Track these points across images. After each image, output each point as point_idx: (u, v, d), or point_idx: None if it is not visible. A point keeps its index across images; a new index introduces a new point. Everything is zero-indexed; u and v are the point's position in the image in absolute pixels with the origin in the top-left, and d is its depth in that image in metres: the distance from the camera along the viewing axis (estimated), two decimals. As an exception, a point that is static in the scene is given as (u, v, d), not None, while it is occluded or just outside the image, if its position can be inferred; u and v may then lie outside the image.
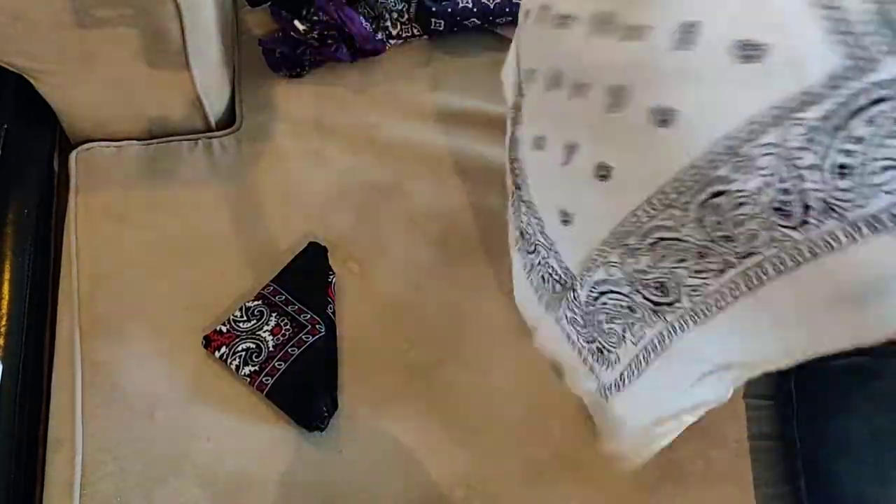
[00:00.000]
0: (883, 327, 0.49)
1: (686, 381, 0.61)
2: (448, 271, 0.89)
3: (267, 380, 0.78)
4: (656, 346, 0.62)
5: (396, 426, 0.79)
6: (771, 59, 0.47)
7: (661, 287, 0.59)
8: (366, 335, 0.84)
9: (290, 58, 1.01)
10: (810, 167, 0.47)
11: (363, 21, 1.01)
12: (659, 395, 0.64)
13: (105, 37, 0.83)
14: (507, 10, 1.05)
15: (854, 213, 0.46)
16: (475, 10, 1.04)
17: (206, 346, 0.81)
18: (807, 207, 0.48)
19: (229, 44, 1.02)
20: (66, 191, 0.90)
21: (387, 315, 0.86)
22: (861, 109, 0.45)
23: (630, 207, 0.57)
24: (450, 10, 1.03)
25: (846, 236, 0.47)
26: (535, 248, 0.70)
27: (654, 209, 0.55)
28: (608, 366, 0.66)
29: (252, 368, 0.79)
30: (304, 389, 0.78)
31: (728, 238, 0.52)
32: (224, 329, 0.82)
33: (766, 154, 0.48)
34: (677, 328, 0.59)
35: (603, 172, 0.57)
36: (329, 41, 1.01)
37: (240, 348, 0.80)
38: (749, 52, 0.47)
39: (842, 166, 0.46)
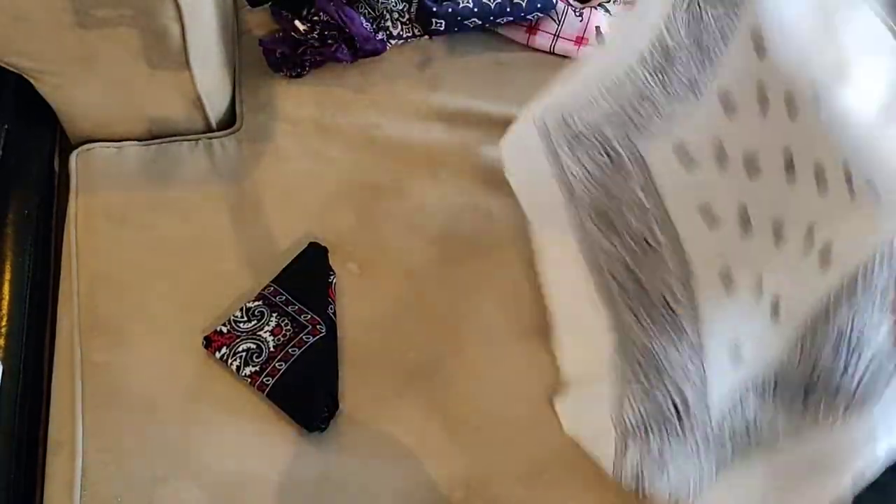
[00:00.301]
0: None
1: None
2: (448, 271, 0.89)
3: (268, 380, 0.78)
4: None
5: (397, 427, 0.79)
6: None
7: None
8: (366, 335, 0.84)
9: (291, 58, 1.01)
10: None
11: (363, 21, 1.01)
12: None
13: (105, 37, 0.83)
14: (508, 10, 1.05)
15: None
16: (476, 10, 1.04)
17: (206, 347, 0.81)
18: None
19: (230, 44, 1.02)
20: (66, 191, 0.90)
21: (387, 315, 0.86)
22: None
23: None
24: (450, 10, 1.03)
25: None
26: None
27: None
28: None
29: (253, 369, 0.79)
30: (305, 390, 0.78)
31: None
32: (224, 329, 0.81)
33: None
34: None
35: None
36: (329, 41, 1.01)
37: (240, 349, 0.80)
38: None
39: None
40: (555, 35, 1.09)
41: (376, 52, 1.03)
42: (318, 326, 0.82)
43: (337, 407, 0.79)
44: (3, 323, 0.79)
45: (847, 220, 0.60)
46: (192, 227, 0.89)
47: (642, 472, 0.72)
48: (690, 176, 0.73)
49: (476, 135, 0.99)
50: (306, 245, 0.88)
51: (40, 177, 0.91)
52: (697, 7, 0.72)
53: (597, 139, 0.78)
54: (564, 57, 1.10)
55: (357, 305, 0.86)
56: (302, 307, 0.83)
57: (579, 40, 1.09)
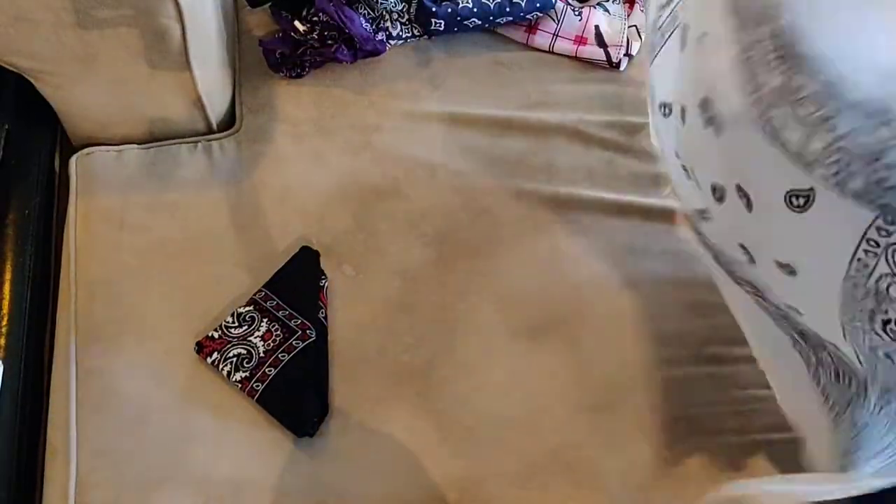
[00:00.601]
0: None
1: None
2: (444, 273, 0.89)
3: (257, 386, 0.79)
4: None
5: (390, 429, 0.80)
6: None
7: None
8: (361, 337, 0.85)
9: (291, 58, 1.01)
10: None
11: (363, 22, 1.01)
12: None
13: (106, 37, 0.83)
14: (507, 10, 1.05)
15: None
16: (475, 10, 1.04)
17: (198, 352, 0.81)
18: None
19: (230, 44, 1.02)
20: (66, 192, 0.90)
21: (382, 317, 0.86)
22: None
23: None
24: (450, 10, 1.03)
25: None
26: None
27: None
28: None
29: (243, 374, 0.80)
30: (294, 395, 0.79)
31: None
32: (216, 335, 0.82)
33: None
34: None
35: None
36: (329, 42, 1.01)
37: (231, 354, 0.81)
38: None
39: None
40: (554, 34, 1.09)
41: (376, 53, 1.03)
42: (307, 331, 0.83)
43: (326, 412, 0.79)
44: (4, 323, 0.80)
45: None
46: (191, 229, 0.89)
47: None
48: None
49: (476, 135, 1.00)
50: (299, 249, 0.88)
51: (41, 177, 0.91)
52: None
53: None
54: (564, 56, 1.10)
55: (351, 306, 0.86)
56: (293, 312, 0.84)
57: (578, 39, 1.09)
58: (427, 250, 0.90)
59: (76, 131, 0.94)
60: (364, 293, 0.87)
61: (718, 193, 0.57)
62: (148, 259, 0.86)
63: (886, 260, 0.46)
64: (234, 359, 0.80)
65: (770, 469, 0.80)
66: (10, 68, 0.85)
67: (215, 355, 0.80)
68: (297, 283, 0.86)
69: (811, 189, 0.48)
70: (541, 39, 1.09)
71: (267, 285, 0.86)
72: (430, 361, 0.84)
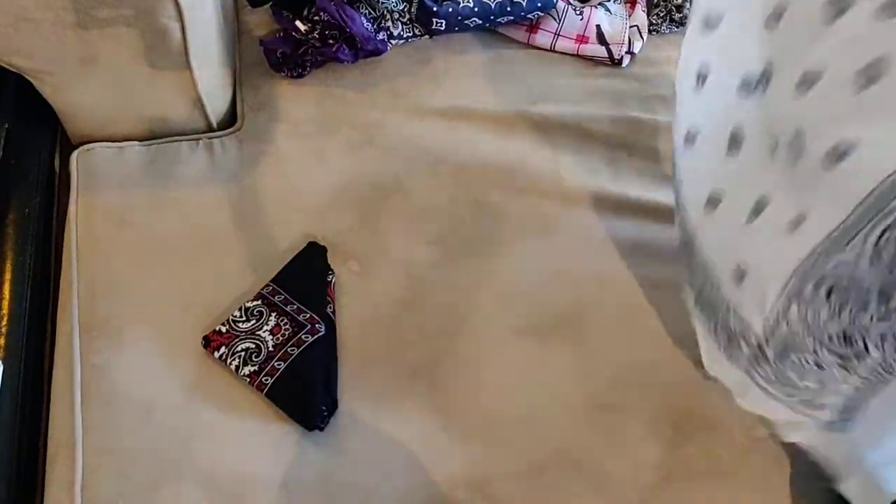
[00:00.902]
0: None
1: None
2: (448, 271, 0.89)
3: (266, 380, 0.78)
4: (857, 402, 0.62)
5: (397, 426, 0.79)
6: None
7: (846, 338, 0.58)
8: (366, 334, 0.84)
9: (292, 58, 1.01)
10: None
11: (364, 21, 1.01)
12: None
13: (106, 37, 0.83)
14: (508, 9, 1.05)
15: None
16: (476, 9, 1.04)
17: (205, 347, 0.81)
18: None
19: (230, 44, 1.02)
20: (66, 191, 0.90)
21: (387, 314, 0.85)
22: None
23: (808, 250, 0.57)
24: (451, 10, 1.03)
25: None
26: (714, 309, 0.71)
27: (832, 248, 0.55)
28: (820, 409, 0.66)
29: (252, 368, 0.79)
30: (304, 389, 0.78)
31: None
32: (223, 329, 0.81)
33: None
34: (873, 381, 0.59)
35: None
36: (330, 41, 1.01)
37: (239, 348, 0.80)
38: None
39: None
40: (555, 34, 1.09)
41: (377, 52, 1.03)
42: (316, 325, 0.82)
43: (336, 406, 0.79)
44: (4, 323, 0.79)
45: None
46: (192, 226, 0.89)
47: None
48: None
49: (477, 135, 0.99)
50: (305, 244, 0.88)
51: (41, 176, 0.91)
52: None
53: None
54: (565, 55, 1.09)
55: (357, 304, 0.86)
56: (301, 306, 0.83)
57: (580, 38, 1.09)
58: (431, 248, 0.90)
59: (76, 131, 0.94)
60: (369, 290, 0.87)
61: None
62: (150, 255, 0.86)
63: None
64: (243, 353, 0.80)
65: (776, 469, 0.79)
66: (10, 68, 0.85)
67: (223, 350, 0.80)
68: (305, 278, 0.85)
69: None
70: (542, 39, 1.09)
71: (274, 280, 0.85)
72: (437, 359, 0.83)
